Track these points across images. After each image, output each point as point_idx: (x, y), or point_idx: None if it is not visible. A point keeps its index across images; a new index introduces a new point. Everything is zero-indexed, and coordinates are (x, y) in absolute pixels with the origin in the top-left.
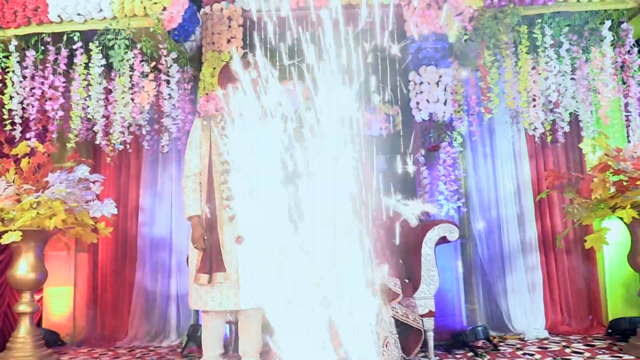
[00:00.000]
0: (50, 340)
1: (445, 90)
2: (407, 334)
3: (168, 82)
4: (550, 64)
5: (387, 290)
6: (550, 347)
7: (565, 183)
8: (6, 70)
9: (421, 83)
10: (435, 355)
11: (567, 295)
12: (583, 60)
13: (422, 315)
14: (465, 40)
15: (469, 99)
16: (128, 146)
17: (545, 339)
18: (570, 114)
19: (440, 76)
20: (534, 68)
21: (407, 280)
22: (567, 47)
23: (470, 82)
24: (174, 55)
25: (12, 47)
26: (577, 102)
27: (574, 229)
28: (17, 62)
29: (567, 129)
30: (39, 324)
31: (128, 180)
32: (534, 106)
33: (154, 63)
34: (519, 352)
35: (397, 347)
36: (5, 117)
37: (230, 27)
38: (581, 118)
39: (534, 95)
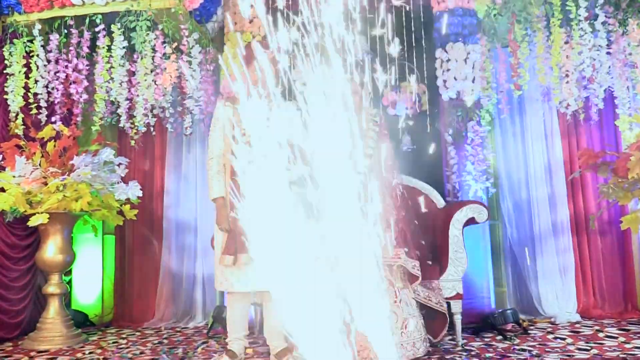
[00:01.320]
0: (79, 321)
1: (473, 67)
2: (433, 317)
3: (190, 63)
4: (585, 38)
5: (406, 272)
6: (583, 332)
7: (599, 162)
8: (31, 55)
9: (448, 60)
10: (463, 338)
11: (601, 278)
12: (619, 34)
13: (449, 298)
14: (495, 15)
15: (498, 76)
16: (152, 129)
17: (577, 322)
18: (605, 90)
19: (468, 53)
20: (567, 42)
21: (429, 263)
22: (602, 20)
23: (499, 59)
24: (195, 36)
25: (35, 31)
26: (612, 77)
27: (608, 210)
28: (41, 46)
29: (601, 105)
30: (68, 305)
31: (153, 163)
32: (567, 82)
33: (175, 44)
34: (550, 336)
35: (418, 330)
36: (31, 101)
37: (252, 6)
38: (617, 94)
39: (567, 71)
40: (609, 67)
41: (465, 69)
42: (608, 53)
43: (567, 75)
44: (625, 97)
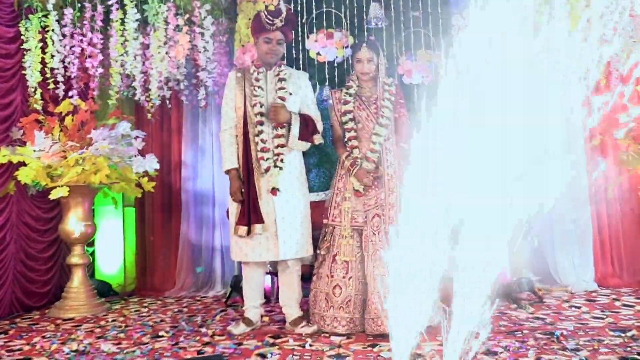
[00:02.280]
0: (103, 290)
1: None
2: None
3: (202, 35)
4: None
5: None
6: (599, 300)
7: (619, 129)
8: (46, 30)
9: (466, 27)
10: None
11: (619, 246)
12: None
13: None
14: None
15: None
16: (168, 102)
17: (594, 291)
18: (627, 54)
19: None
20: (587, 5)
21: None
22: None
23: None
24: (207, 7)
25: (50, 6)
26: (634, 41)
27: (628, 178)
28: (56, 20)
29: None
30: (92, 275)
31: (170, 135)
32: (582, 50)
33: (187, 16)
34: (565, 305)
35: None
36: (48, 76)
37: None
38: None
39: (586, 37)
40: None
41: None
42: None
43: (585, 40)
44: None
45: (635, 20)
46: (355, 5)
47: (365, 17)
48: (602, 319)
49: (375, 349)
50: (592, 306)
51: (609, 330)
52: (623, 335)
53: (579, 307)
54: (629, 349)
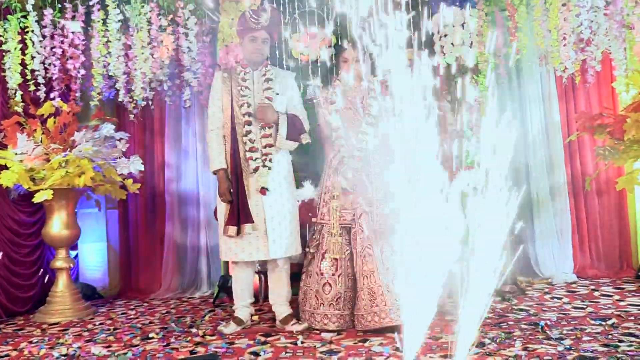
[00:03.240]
0: (88, 293)
1: (470, 32)
2: None
3: (187, 35)
4: (582, 0)
5: None
6: (579, 291)
7: (596, 125)
8: (25, 31)
9: (445, 26)
10: None
11: (597, 238)
12: None
13: None
14: None
15: (496, 41)
16: (150, 102)
17: (574, 282)
18: (602, 52)
19: (465, 18)
20: (564, 5)
21: None
22: None
23: (497, 23)
24: (191, 7)
25: (29, 6)
26: (609, 39)
27: (605, 171)
28: (36, 21)
29: (598, 68)
30: (76, 279)
31: (152, 137)
32: (565, 45)
33: (171, 16)
34: (547, 296)
35: None
36: (29, 77)
37: None
38: (613, 56)
39: (564, 34)
40: (606, 28)
41: (462, 34)
42: (605, 14)
43: (564, 38)
44: (622, 59)
45: (611, 18)
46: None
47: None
48: (583, 308)
49: (366, 344)
50: (573, 297)
51: (590, 320)
52: (604, 323)
53: (560, 298)
54: (610, 336)
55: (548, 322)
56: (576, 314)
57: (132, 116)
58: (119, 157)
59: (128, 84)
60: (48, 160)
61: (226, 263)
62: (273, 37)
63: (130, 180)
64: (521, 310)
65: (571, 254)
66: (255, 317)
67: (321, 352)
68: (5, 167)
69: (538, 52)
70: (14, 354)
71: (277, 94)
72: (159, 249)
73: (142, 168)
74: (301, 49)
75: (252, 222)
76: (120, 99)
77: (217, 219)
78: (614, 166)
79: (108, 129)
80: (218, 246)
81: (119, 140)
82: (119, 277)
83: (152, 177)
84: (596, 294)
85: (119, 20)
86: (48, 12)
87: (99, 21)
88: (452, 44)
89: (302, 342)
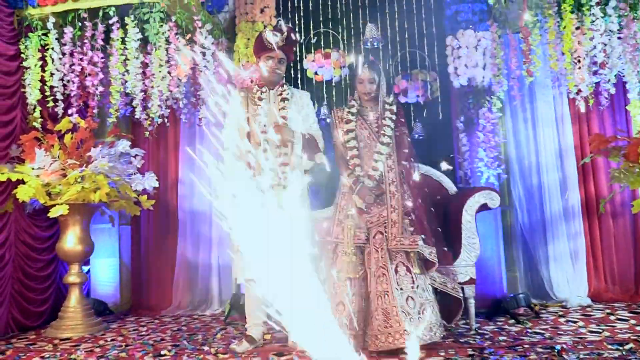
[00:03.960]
0: (99, 309)
1: (484, 54)
2: (447, 302)
3: (204, 54)
4: (596, 23)
5: (423, 259)
6: (594, 315)
7: (610, 147)
8: (46, 48)
9: (459, 47)
10: (476, 322)
11: (612, 262)
12: (630, 18)
13: (463, 283)
14: (505, 1)
15: (509, 63)
16: (166, 120)
17: (589, 306)
18: (616, 75)
19: (479, 40)
20: (578, 28)
21: (445, 249)
22: (613, 5)
23: (510, 45)
24: (208, 26)
25: (50, 25)
26: (623, 62)
27: (619, 194)
28: (56, 39)
29: (612, 91)
30: (87, 294)
31: (167, 153)
32: (579, 68)
33: (189, 35)
34: (562, 320)
35: (434, 314)
36: (48, 94)
37: None
38: (627, 79)
39: (578, 57)
40: (620, 52)
41: (475, 56)
42: (619, 38)
43: (578, 61)
44: (636, 82)
45: (625, 42)
46: (352, 26)
47: (361, 37)
48: (599, 332)
49: None
50: (588, 321)
51: (607, 344)
52: (621, 348)
53: (575, 322)
54: None
55: (564, 347)
56: (592, 338)
57: (147, 133)
58: (134, 174)
59: (144, 101)
60: (64, 176)
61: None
62: (289, 56)
63: (145, 197)
64: (536, 333)
65: (586, 277)
66: (268, 336)
67: None
68: (22, 182)
69: (551, 74)
70: None
71: (293, 113)
72: (170, 265)
73: (156, 184)
74: (315, 69)
75: None
76: (137, 116)
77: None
78: (629, 189)
79: (124, 145)
80: (229, 264)
81: (134, 156)
82: (130, 293)
83: (165, 193)
84: (612, 318)
85: (137, 39)
86: (68, 30)
87: (118, 39)
88: (465, 65)
89: None
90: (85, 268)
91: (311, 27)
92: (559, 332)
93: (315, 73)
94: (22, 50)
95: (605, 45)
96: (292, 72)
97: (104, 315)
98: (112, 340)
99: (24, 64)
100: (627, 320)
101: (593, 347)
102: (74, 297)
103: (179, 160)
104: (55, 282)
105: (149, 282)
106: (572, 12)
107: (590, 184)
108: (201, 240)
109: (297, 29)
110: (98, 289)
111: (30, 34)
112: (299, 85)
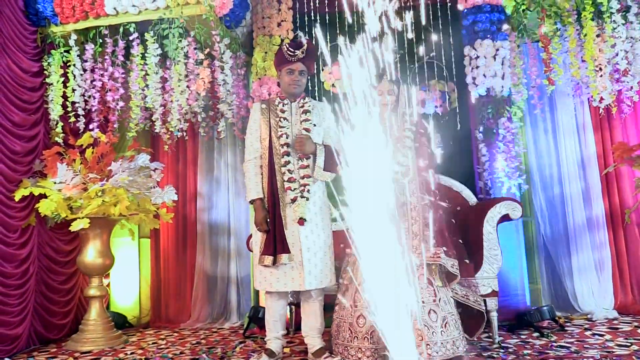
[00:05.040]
0: (119, 322)
1: (502, 63)
2: (469, 315)
3: (222, 68)
4: (618, 30)
5: (445, 271)
6: (621, 328)
7: (634, 156)
8: (68, 64)
9: (477, 57)
10: (499, 336)
11: (638, 273)
12: None
13: (485, 295)
14: (523, 10)
15: (529, 72)
16: (185, 133)
17: (615, 319)
18: (638, 82)
19: (497, 49)
20: (598, 36)
21: (467, 261)
22: (635, 11)
23: (529, 54)
24: (226, 41)
25: (72, 42)
26: None
27: None
28: (77, 55)
29: (636, 98)
30: (107, 307)
31: (185, 167)
32: (601, 76)
33: (207, 50)
34: (588, 333)
35: (457, 328)
36: (69, 109)
37: (280, 10)
38: None
39: (599, 65)
40: None
41: (494, 66)
42: None
43: (600, 69)
44: None
45: None
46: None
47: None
48: (627, 346)
49: None
50: (615, 334)
51: (636, 358)
52: None
53: (602, 335)
54: None
55: None
56: (620, 352)
57: (166, 147)
58: (154, 187)
59: (164, 115)
60: (85, 190)
61: (257, 293)
62: (310, 68)
63: (164, 210)
64: (561, 347)
65: (611, 288)
66: (287, 350)
67: None
68: (45, 196)
69: (571, 83)
70: None
71: (315, 125)
72: (189, 278)
73: (175, 198)
74: (332, 81)
75: (289, 252)
76: (156, 130)
77: (249, 249)
78: None
79: (144, 159)
80: (248, 276)
81: (154, 170)
82: (149, 306)
83: (184, 206)
84: None
85: (157, 55)
86: (89, 47)
87: (138, 55)
88: (484, 75)
89: None
90: (106, 281)
91: (328, 40)
92: (585, 345)
93: (333, 85)
94: (44, 67)
95: (627, 52)
96: (309, 84)
97: (124, 328)
98: (131, 353)
99: (47, 80)
100: None
101: None
102: (94, 310)
103: (197, 173)
104: (77, 295)
105: (168, 295)
106: (592, 20)
107: (614, 193)
108: (220, 253)
109: (315, 41)
110: (118, 302)
111: (52, 51)
112: (317, 97)
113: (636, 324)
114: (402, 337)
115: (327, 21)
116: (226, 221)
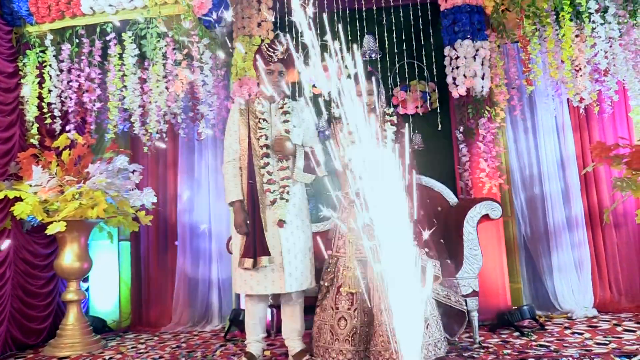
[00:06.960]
0: (98, 327)
1: (482, 64)
2: (450, 316)
3: (201, 69)
4: (597, 31)
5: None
6: (601, 326)
7: (612, 155)
8: (43, 65)
9: (457, 58)
10: (479, 335)
11: (617, 271)
12: (631, 25)
13: (465, 295)
14: (503, 11)
15: (509, 72)
16: (164, 135)
17: (595, 317)
18: (617, 82)
19: (477, 50)
20: (577, 36)
21: (448, 261)
22: (612, 12)
23: (509, 54)
24: (205, 41)
25: (47, 42)
26: (627, 69)
27: (623, 203)
28: (53, 56)
29: (616, 98)
30: (87, 311)
31: (165, 169)
32: (581, 76)
33: (186, 50)
34: (568, 331)
35: (438, 329)
36: (45, 110)
37: (259, 10)
38: (629, 87)
39: (579, 65)
40: (622, 58)
41: (474, 66)
42: (620, 44)
43: (579, 69)
44: (638, 89)
45: (626, 49)
46: (349, 38)
47: (359, 49)
48: (606, 344)
49: None
50: (594, 332)
51: (614, 356)
52: None
53: (581, 334)
54: None
55: (571, 359)
56: (599, 350)
57: (145, 149)
58: (132, 189)
59: (143, 117)
60: (62, 192)
61: (238, 296)
62: (289, 69)
63: (143, 212)
64: (541, 346)
65: (591, 287)
66: (267, 352)
67: None
68: (20, 199)
69: (551, 83)
70: None
71: (294, 126)
72: (170, 281)
73: (154, 200)
74: (312, 82)
75: (269, 254)
76: (135, 132)
77: (229, 251)
78: (632, 197)
79: (122, 161)
80: (230, 279)
81: (133, 172)
82: (130, 310)
83: (164, 209)
84: (619, 329)
85: (134, 55)
86: (66, 47)
87: (115, 55)
88: (464, 75)
89: None
90: (84, 285)
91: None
92: (564, 344)
93: (313, 86)
94: (20, 68)
95: (606, 52)
96: (289, 85)
97: (103, 332)
98: (110, 358)
99: (22, 81)
100: (634, 331)
101: (600, 359)
102: (72, 315)
103: (177, 175)
104: (56, 300)
105: (148, 298)
106: (570, 20)
107: (592, 193)
108: (201, 255)
109: (295, 42)
110: (97, 306)
111: (28, 51)
112: (297, 99)
113: (615, 322)
114: (415, 339)
115: (307, 22)
116: (207, 223)
